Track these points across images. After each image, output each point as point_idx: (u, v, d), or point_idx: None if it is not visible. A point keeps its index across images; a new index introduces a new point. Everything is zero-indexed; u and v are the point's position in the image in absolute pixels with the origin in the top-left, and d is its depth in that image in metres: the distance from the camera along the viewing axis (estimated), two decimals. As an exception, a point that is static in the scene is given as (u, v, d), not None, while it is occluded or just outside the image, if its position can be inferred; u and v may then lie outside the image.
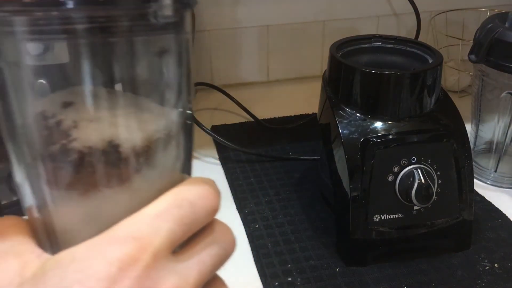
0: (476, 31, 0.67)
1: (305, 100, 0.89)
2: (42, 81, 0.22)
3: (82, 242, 0.23)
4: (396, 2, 0.97)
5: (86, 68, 0.22)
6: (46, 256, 0.23)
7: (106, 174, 0.23)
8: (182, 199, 0.24)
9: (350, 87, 0.55)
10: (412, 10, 0.91)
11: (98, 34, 0.21)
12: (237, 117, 0.85)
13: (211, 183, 0.26)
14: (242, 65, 0.95)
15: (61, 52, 0.22)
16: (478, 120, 0.70)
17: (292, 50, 0.97)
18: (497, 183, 0.69)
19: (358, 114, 0.54)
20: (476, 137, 0.72)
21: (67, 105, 0.22)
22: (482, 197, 0.66)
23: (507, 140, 0.68)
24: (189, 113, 0.26)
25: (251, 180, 0.68)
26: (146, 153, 0.23)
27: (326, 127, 0.58)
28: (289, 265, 0.55)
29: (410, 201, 0.52)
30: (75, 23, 0.21)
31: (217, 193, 0.25)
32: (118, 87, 0.23)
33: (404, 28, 0.99)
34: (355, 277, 0.53)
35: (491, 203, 0.65)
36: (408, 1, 0.90)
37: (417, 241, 0.55)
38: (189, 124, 0.26)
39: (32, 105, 0.23)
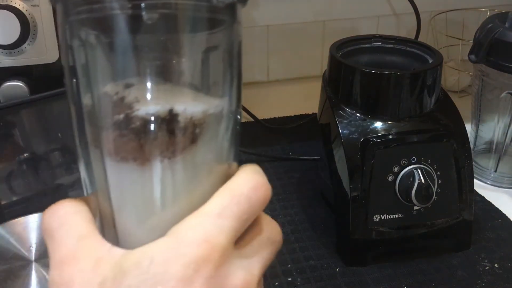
0: (476, 31, 0.67)
1: (305, 100, 0.88)
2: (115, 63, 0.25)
3: (138, 226, 0.25)
4: (396, 2, 0.97)
5: (146, 47, 0.24)
6: (116, 251, 0.24)
7: (166, 142, 0.24)
8: (240, 195, 0.25)
9: (350, 87, 0.55)
10: (412, 10, 0.91)
11: (163, 13, 0.24)
12: (237, 117, 0.85)
13: (261, 172, 0.27)
14: (242, 65, 0.95)
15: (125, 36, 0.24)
16: (478, 120, 0.70)
17: (292, 50, 0.97)
18: (497, 183, 0.69)
19: (358, 114, 0.54)
20: (476, 137, 0.72)
21: (128, 85, 0.24)
22: (482, 197, 0.66)
23: (507, 140, 0.68)
24: (239, 102, 0.28)
25: (251, 180, 0.68)
26: (201, 125, 0.25)
27: (326, 127, 0.58)
28: (289, 265, 0.55)
29: (410, 201, 0.52)
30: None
31: (267, 182, 0.26)
32: (174, 74, 0.25)
33: (404, 28, 0.99)
34: (355, 277, 0.53)
35: (491, 203, 0.65)
36: (408, 1, 0.90)
37: (417, 241, 0.55)
38: (239, 112, 0.28)
39: (100, 85, 0.25)
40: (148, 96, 0.24)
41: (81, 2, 0.24)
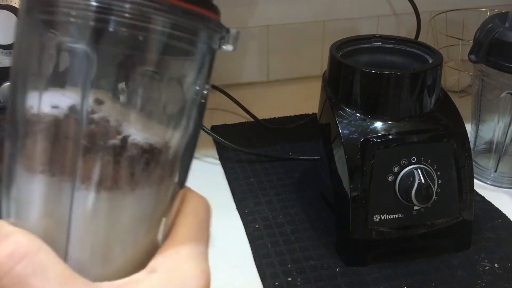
0: (476, 31, 0.67)
1: (305, 100, 0.88)
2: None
3: (96, 259, 0.24)
4: (396, 2, 0.97)
5: (116, 67, 0.23)
6: (105, 286, 0.23)
7: (125, 167, 0.24)
8: (202, 220, 0.27)
9: (350, 87, 0.55)
10: (412, 10, 0.91)
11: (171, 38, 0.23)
12: (237, 117, 0.85)
13: (200, 195, 0.29)
14: (242, 65, 0.95)
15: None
16: (478, 120, 0.70)
17: (292, 50, 0.97)
18: (497, 183, 0.69)
19: (358, 114, 0.54)
20: (476, 137, 0.72)
21: (100, 102, 0.23)
22: (482, 197, 0.66)
23: (507, 140, 0.68)
24: (194, 141, 0.27)
25: (251, 180, 0.68)
26: (160, 155, 0.25)
27: (326, 127, 0.58)
28: (289, 265, 0.55)
29: (410, 201, 0.52)
30: (159, 24, 0.23)
31: (208, 202, 0.28)
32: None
33: (404, 28, 0.99)
34: (355, 277, 0.53)
35: (491, 203, 0.65)
36: (408, 1, 0.90)
37: (417, 241, 0.55)
38: (194, 144, 0.27)
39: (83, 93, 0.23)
40: (127, 120, 0.23)
41: (46, 2, 0.23)
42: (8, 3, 0.55)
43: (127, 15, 0.22)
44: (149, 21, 0.22)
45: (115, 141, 0.23)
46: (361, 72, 0.54)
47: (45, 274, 0.21)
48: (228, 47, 0.26)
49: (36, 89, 0.23)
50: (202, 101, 0.26)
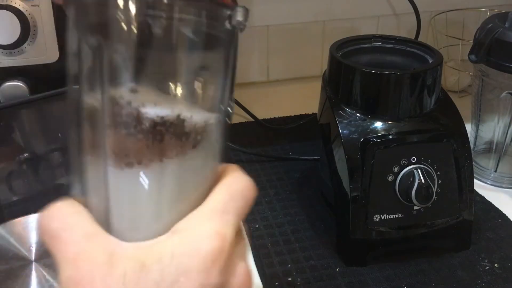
0: (476, 31, 0.67)
1: (305, 100, 0.88)
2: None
3: (136, 228, 0.26)
4: (396, 2, 0.97)
5: (149, 59, 0.25)
6: (127, 245, 0.25)
7: (171, 144, 0.26)
8: (236, 193, 0.28)
9: (350, 87, 0.55)
10: (412, 10, 0.91)
11: (176, 25, 0.25)
12: (237, 117, 0.85)
13: (244, 173, 0.30)
14: (242, 65, 0.95)
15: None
16: (478, 120, 0.70)
17: (292, 50, 0.97)
18: (497, 183, 0.69)
19: (358, 114, 0.54)
20: (476, 137, 0.72)
21: (133, 91, 0.25)
22: (482, 197, 0.66)
23: (507, 140, 0.68)
24: (230, 111, 0.30)
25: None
26: (202, 133, 0.27)
27: (326, 127, 0.58)
28: (289, 265, 0.55)
29: (410, 201, 0.52)
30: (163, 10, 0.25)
31: (252, 182, 0.30)
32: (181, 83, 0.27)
33: (404, 28, 0.99)
34: (355, 277, 0.53)
35: (491, 203, 0.65)
36: (408, 1, 0.90)
37: (417, 241, 0.55)
38: (228, 120, 0.30)
39: (104, 89, 0.26)
40: (153, 101, 0.26)
41: (92, 9, 0.26)
42: (8, 3, 0.55)
43: (162, 11, 0.25)
44: (178, 12, 0.25)
45: (130, 118, 0.25)
46: (361, 72, 0.54)
47: (72, 231, 0.26)
48: (239, 24, 0.28)
49: (87, 86, 0.27)
50: (231, 87, 0.29)
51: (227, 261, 0.26)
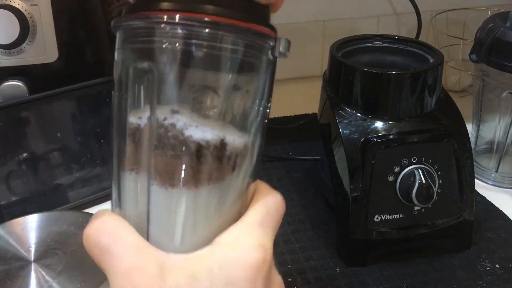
0: (477, 31, 0.66)
1: (305, 100, 0.88)
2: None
3: (175, 244, 0.27)
4: (396, 2, 0.97)
5: (191, 81, 0.27)
6: (176, 257, 0.27)
7: (213, 167, 0.27)
8: (272, 209, 0.30)
9: (350, 87, 0.55)
10: (412, 9, 0.90)
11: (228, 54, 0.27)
12: (237, 117, 0.85)
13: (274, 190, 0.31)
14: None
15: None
16: (479, 120, 0.70)
17: (292, 49, 0.96)
18: (498, 183, 0.69)
19: (358, 114, 0.54)
20: (477, 137, 0.71)
21: (174, 111, 0.27)
22: (483, 197, 0.65)
23: (508, 140, 0.68)
24: (264, 136, 0.31)
25: (251, 180, 0.68)
26: (241, 155, 0.28)
27: (326, 127, 0.57)
28: (289, 266, 0.55)
29: (411, 201, 0.52)
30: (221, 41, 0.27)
31: (283, 198, 0.31)
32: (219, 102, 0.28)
33: (404, 28, 0.99)
34: (355, 277, 0.53)
35: (492, 203, 0.65)
36: (409, 1, 0.90)
37: (418, 241, 0.55)
38: (261, 149, 0.31)
39: (147, 108, 0.27)
40: (195, 124, 0.27)
41: (139, 33, 0.27)
42: (8, 2, 0.55)
43: (206, 40, 0.26)
44: (221, 42, 0.27)
45: (176, 140, 0.27)
46: (361, 72, 0.54)
47: (123, 244, 0.26)
48: (281, 55, 0.31)
49: (131, 105, 0.28)
50: (267, 110, 0.31)
51: (269, 271, 0.27)
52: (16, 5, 0.55)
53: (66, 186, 0.60)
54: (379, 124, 0.53)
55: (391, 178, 0.52)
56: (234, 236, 0.28)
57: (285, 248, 0.57)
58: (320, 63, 0.99)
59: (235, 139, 0.28)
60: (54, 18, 0.57)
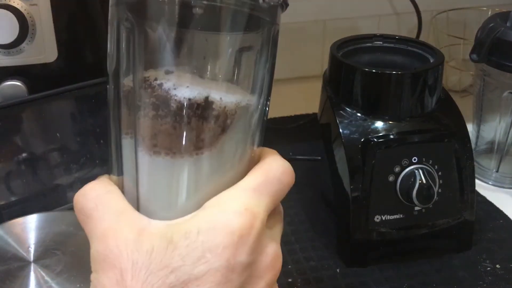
0: (478, 31, 0.66)
1: (305, 100, 0.88)
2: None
3: (164, 210, 0.26)
4: (397, 1, 0.97)
5: (187, 40, 0.25)
6: (157, 223, 0.25)
7: (198, 128, 0.25)
8: (273, 177, 0.27)
9: (350, 87, 0.55)
10: (413, 9, 0.90)
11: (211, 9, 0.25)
12: (237, 117, 0.84)
13: (284, 159, 0.29)
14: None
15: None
16: (479, 120, 0.70)
17: (292, 49, 0.96)
18: (499, 183, 0.69)
19: (359, 114, 0.54)
20: (477, 137, 0.71)
21: (168, 72, 0.25)
22: (484, 198, 0.65)
23: (509, 140, 0.68)
24: (269, 97, 0.29)
25: (251, 180, 0.68)
26: (232, 116, 0.26)
27: (326, 127, 0.57)
28: (289, 266, 0.54)
29: (411, 201, 0.51)
30: None
31: (292, 169, 0.29)
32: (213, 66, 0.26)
33: (405, 28, 0.99)
34: (355, 278, 0.53)
35: (493, 203, 0.64)
36: (409, 0, 0.90)
37: (418, 241, 0.55)
38: (267, 105, 0.29)
39: (140, 69, 0.26)
40: (186, 83, 0.25)
41: None
42: (7, 2, 0.55)
43: None
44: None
45: (158, 100, 0.25)
46: (362, 71, 0.54)
47: (104, 209, 0.26)
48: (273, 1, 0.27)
49: (126, 66, 0.26)
50: (268, 71, 0.29)
51: (257, 240, 0.25)
52: (15, 4, 0.55)
53: (65, 186, 0.60)
54: (379, 124, 0.53)
55: (391, 178, 0.52)
56: (221, 200, 0.26)
57: (285, 248, 0.57)
58: (320, 63, 0.99)
59: (222, 97, 0.26)
60: (53, 18, 0.57)
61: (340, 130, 0.53)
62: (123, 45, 0.26)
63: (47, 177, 0.59)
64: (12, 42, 0.56)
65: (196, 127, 0.25)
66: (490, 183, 0.69)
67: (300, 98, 0.90)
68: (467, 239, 0.57)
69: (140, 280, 0.24)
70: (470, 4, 0.94)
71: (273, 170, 0.28)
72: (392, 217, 0.53)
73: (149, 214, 0.26)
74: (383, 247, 0.54)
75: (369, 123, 0.53)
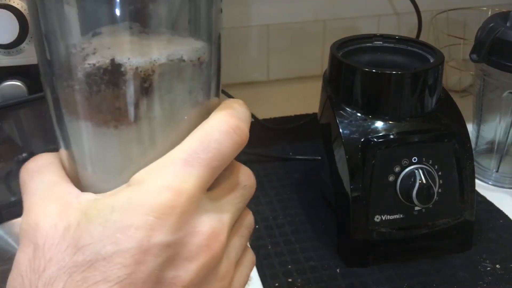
0: (478, 31, 0.66)
1: (305, 100, 0.88)
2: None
3: (102, 183, 0.25)
4: (397, 1, 0.97)
5: None
6: (84, 196, 0.24)
7: (113, 95, 0.23)
8: (209, 140, 0.24)
9: (350, 87, 0.55)
10: (413, 9, 0.90)
11: None
12: (237, 117, 0.84)
13: (238, 113, 0.26)
14: (242, 65, 0.95)
15: None
16: (479, 120, 0.70)
17: (292, 49, 0.96)
18: (499, 183, 0.69)
19: (359, 114, 0.54)
20: (477, 137, 0.71)
21: (95, 34, 0.23)
22: (484, 198, 0.65)
23: (509, 140, 0.68)
24: (219, 46, 0.26)
25: (251, 180, 0.68)
26: (151, 77, 0.23)
27: (326, 127, 0.57)
28: (289, 266, 0.54)
29: (411, 201, 0.51)
30: None
31: (243, 125, 0.25)
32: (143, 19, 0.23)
33: (405, 28, 0.99)
34: (355, 278, 0.53)
35: (493, 203, 0.64)
36: (409, 0, 0.90)
37: (418, 241, 0.55)
38: (219, 54, 0.26)
39: (69, 38, 0.23)
40: (107, 45, 0.23)
41: None
42: (7, 2, 0.55)
43: None
44: None
45: (69, 69, 0.23)
46: (362, 71, 0.54)
47: (38, 183, 0.25)
48: None
49: (60, 39, 0.24)
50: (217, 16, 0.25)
51: (181, 219, 0.23)
52: (15, 4, 0.55)
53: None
54: (379, 124, 0.53)
55: (391, 178, 0.52)
56: (149, 175, 0.24)
57: (285, 248, 0.57)
58: (320, 63, 0.99)
59: (130, 57, 0.23)
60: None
61: (340, 130, 0.53)
62: (47, 13, 0.24)
63: (47, 177, 0.59)
64: (12, 42, 0.56)
65: (111, 94, 0.23)
66: (490, 183, 0.69)
67: (300, 98, 0.90)
68: (467, 239, 0.57)
69: (47, 258, 0.23)
70: (470, 4, 0.94)
71: (211, 132, 0.24)
72: (392, 217, 0.53)
73: (91, 188, 0.25)
74: (383, 247, 0.54)
75: (369, 123, 0.53)
